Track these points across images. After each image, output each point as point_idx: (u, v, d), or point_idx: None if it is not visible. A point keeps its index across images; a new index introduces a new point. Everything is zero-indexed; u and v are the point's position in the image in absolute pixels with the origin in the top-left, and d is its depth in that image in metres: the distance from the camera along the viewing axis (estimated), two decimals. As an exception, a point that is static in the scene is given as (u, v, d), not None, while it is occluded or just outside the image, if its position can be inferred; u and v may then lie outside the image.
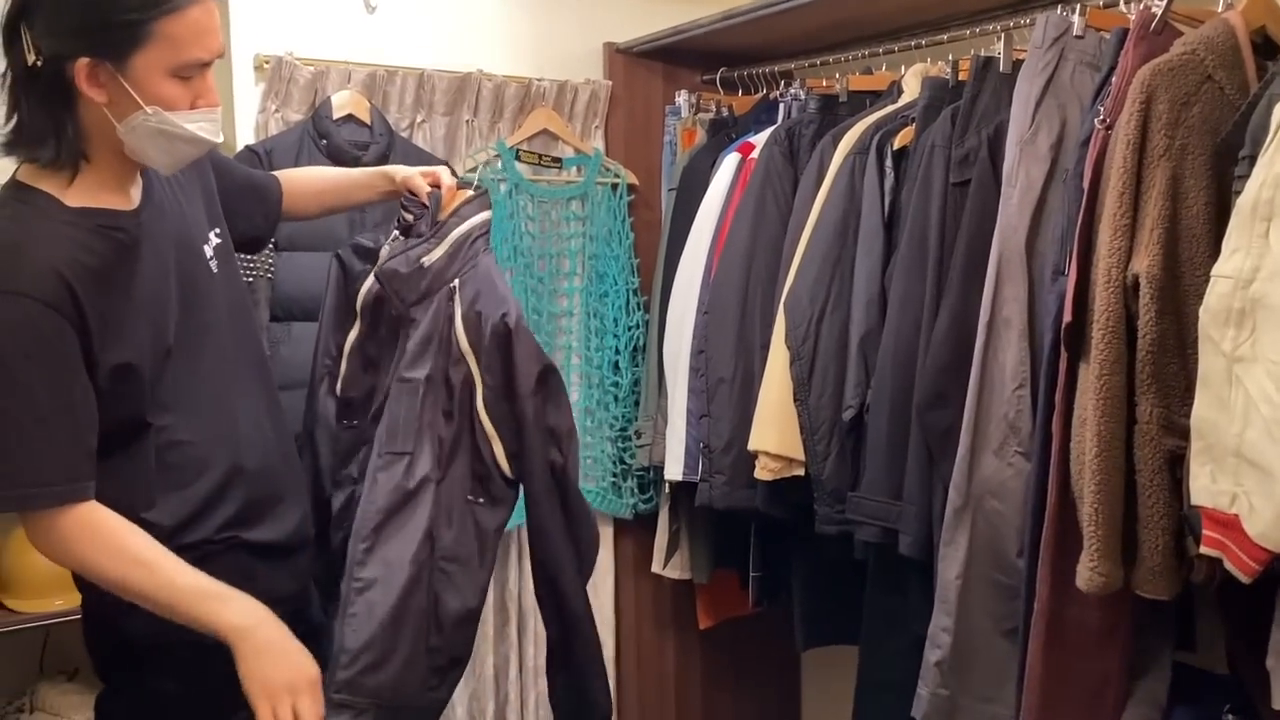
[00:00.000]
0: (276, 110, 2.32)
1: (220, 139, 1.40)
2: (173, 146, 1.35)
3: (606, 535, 2.78)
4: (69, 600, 2.67)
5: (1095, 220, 1.64)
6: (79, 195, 1.35)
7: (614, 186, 2.71)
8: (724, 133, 2.56)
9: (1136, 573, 1.56)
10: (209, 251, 1.53)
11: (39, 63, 1.28)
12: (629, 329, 2.70)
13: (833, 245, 2.05)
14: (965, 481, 1.78)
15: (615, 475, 2.69)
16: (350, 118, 2.33)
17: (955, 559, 1.78)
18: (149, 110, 1.31)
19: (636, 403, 2.68)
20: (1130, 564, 1.57)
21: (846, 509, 1.99)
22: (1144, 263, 1.54)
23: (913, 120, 2.04)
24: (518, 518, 2.55)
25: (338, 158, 2.29)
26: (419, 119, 2.47)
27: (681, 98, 2.74)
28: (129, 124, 1.32)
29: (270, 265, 2.25)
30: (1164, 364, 1.53)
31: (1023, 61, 1.92)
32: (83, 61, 1.28)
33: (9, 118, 1.33)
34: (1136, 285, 1.54)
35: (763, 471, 2.07)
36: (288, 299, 2.26)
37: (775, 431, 2.06)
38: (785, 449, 2.05)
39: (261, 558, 1.51)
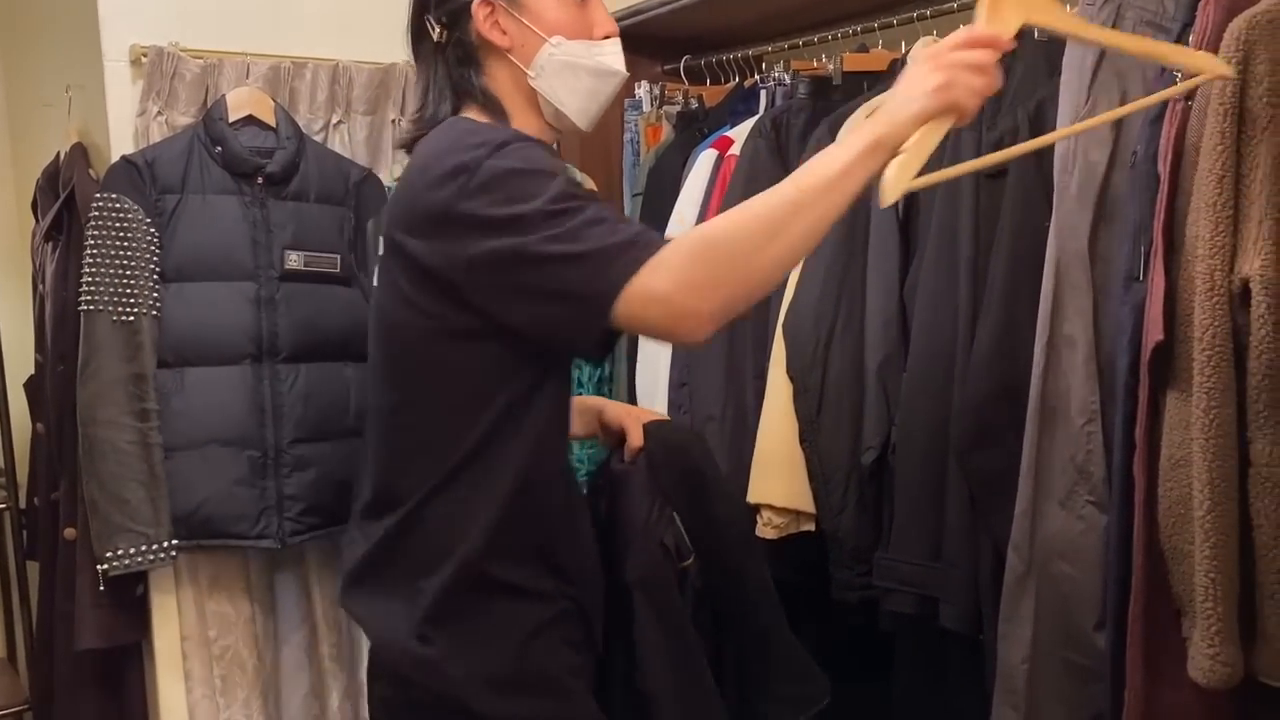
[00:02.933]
0: (159, 113, 1.93)
1: (626, 71, 1.30)
2: (580, 83, 1.27)
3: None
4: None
5: (1178, 213, 1.33)
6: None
7: (567, 194, 2.35)
8: (695, 127, 2.22)
9: (1259, 656, 1.26)
10: None
11: (444, 36, 1.27)
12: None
13: (837, 253, 1.71)
14: (1026, 541, 1.45)
15: (581, 528, 2.32)
16: (250, 119, 1.96)
17: (1019, 638, 1.44)
18: (553, 42, 1.25)
19: (603, 442, 2.32)
20: (1248, 642, 1.25)
21: (874, 573, 1.64)
22: (1255, 263, 1.24)
23: (927, 102, 1.71)
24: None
25: (235, 167, 1.91)
26: (335, 119, 2.10)
27: (641, 89, 2.40)
28: (537, 64, 1.26)
29: (155, 301, 1.85)
30: (1286, 390, 1.22)
31: (1062, 27, 1.62)
32: (477, 4, 1.25)
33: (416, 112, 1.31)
34: (1245, 292, 1.24)
35: (766, 529, 1.73)
36: (179, 341, 1.86)
37: (780, 480, 1.71)
38: (792, 500, 1.71)
39: None
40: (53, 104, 2.23)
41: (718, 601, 1.41)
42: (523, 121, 1.28)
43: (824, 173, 1.10)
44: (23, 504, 2.37)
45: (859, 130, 1.11)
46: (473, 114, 1.27)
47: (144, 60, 1.91)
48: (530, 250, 1.09)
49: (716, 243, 1.09)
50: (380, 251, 1.27)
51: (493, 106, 1.27)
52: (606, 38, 1.28)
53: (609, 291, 1.07)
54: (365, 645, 2.10)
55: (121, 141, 1.93)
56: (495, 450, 1.19)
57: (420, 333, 1.19)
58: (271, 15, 2.07)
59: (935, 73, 1.09)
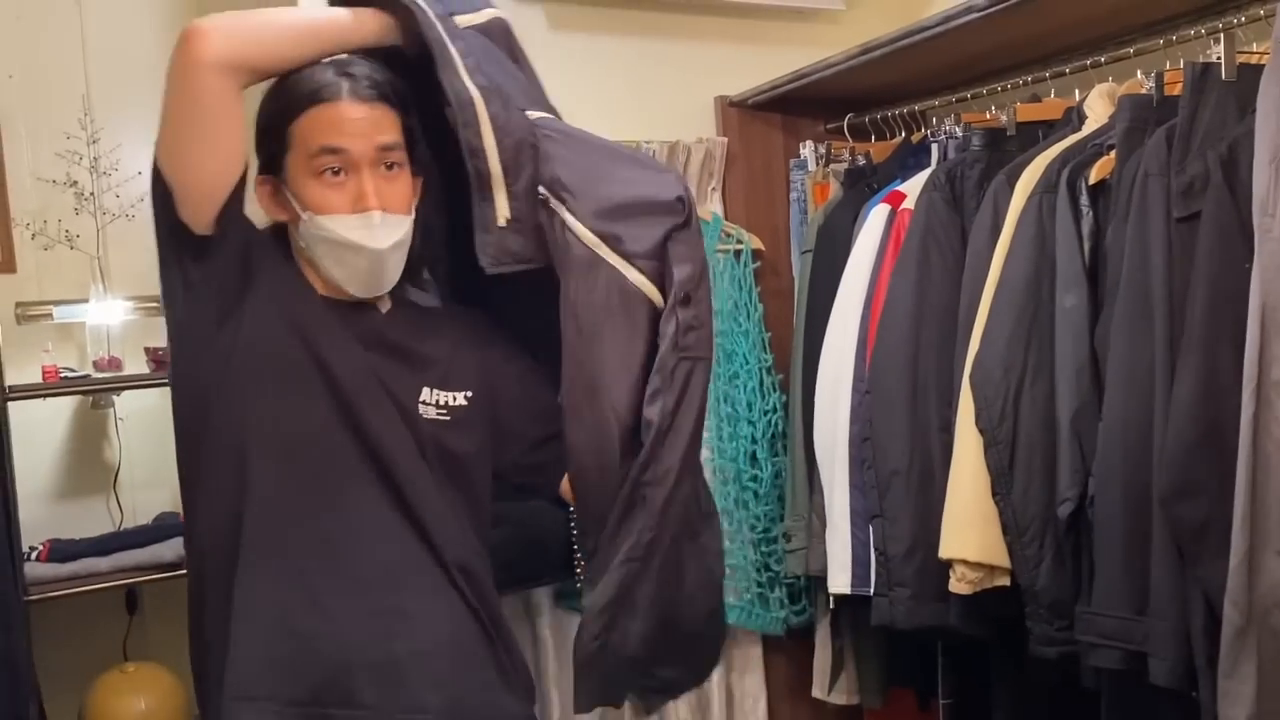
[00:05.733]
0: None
1: (384, 244, 1.29)
2: (338, 256, 1.29)
3: (754, 655, 2.42)
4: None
5: (1395, 250, 1.28)
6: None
7: (737, 254, 2.41)
8: (863, 183, 2.24)
9: None
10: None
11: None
12: (765, 414, 2.36)
13: (1024, 303, 1.70)
14: (1244, 593, 1.39)
15: (761, 585, 2.34)
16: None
17: (1242, 695, 1.39)
18: (305, 216, 1.28)
19: (780, 499, 2.34)
20: None
21: (1075, 627, 1.61)
22: None
23: (1109, 148, 1.70)
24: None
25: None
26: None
27: (807, 149, 2.44)
28: (302, 237, 1.31)
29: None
30: None
31: (1250, 66, 1.59)
32: (257, 180, 1.31)
33: None
34: None
35: (960, 584, 1.71)
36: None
37: (973, 534, 1.69)
38: (987, 555, 1.69)
39: None
40: (261, 193, 2.42)
41: None
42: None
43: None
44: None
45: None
46: None
47: (348, 149, 2.06)
48: None
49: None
50: None
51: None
52: (361, 212, 1.27)
53: None
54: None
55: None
56: None
57: None
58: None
59: None
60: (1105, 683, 1.64)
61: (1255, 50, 1.66)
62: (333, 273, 1.31)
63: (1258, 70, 1.53)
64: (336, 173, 1.27)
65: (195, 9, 2.74)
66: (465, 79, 1.29)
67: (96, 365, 2.45)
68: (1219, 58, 1.60)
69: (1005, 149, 1.94)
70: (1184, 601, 1.50)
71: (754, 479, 2.34)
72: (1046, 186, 1.73)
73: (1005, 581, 1.70)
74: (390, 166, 1.30)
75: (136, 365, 2.56)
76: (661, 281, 1.34)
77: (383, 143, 1.29)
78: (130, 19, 2.69)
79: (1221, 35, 1.61)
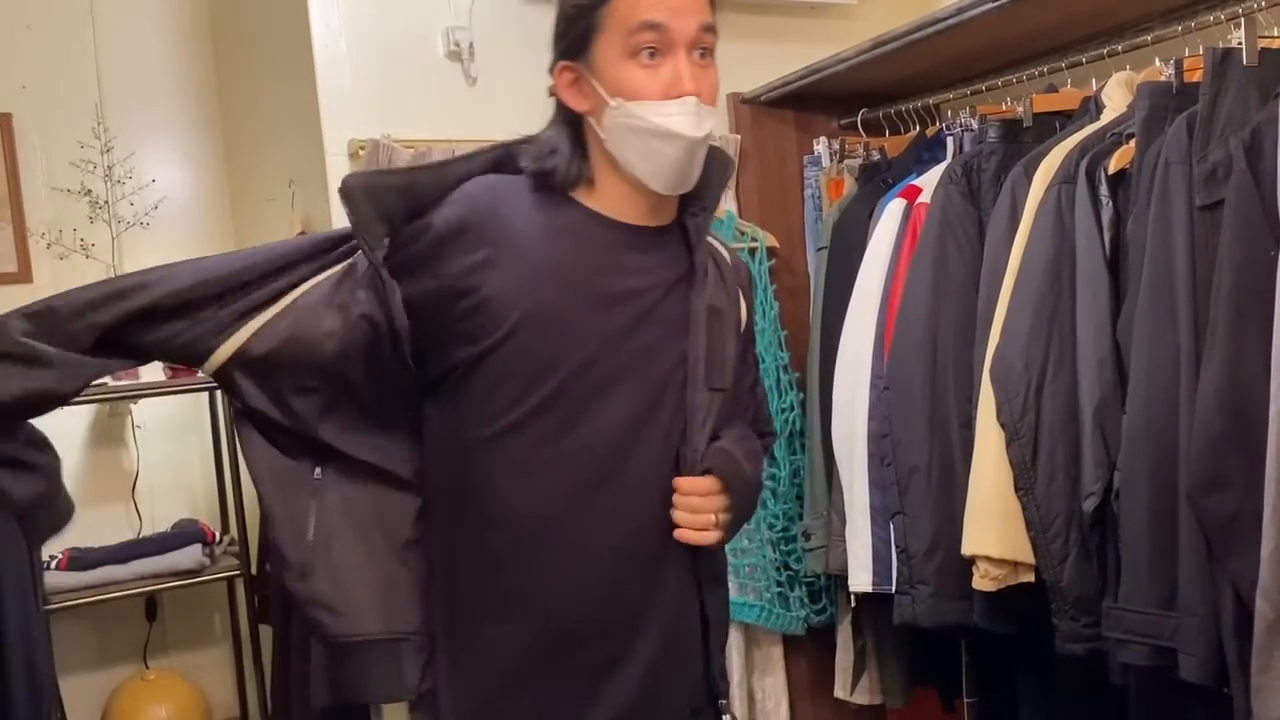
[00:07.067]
0: (374, 199, 2.07)
1: (700, 133, 1.21)
2: (647, 147, 1.21)
3: (775, 655, 2.40)
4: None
5: None
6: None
7: (751, 251, 2.40)
8: (878, 178, 2.22)
9: None
10: None
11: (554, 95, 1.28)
12: (782, 412, 2.35)
13: (1044, 296, 1.68)
14: (1276, 587, 1.37)
15: (781, 584, 2.32)
16: (456, 200, 2.07)
17: (1277, 691, 1.36)
18: (613, 103, 1.21)
19: (799, 498, 2.32)
20: None
21: (1102, 623, 1.58)
22: None
23: (1129, 137, 1.68)
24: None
25: (445, 246, 2.02)
26: (531, 194, 2.21)
27: (820, 145, 2.43)
28: (605, 128, 1.23)
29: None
30: None
31: (1272, 50, 1.57)
32: (558, 68, 1.25)
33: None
34: None
35: (983, 580, 1.69)
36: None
37: (995, 530, 1.67)
38: (1010, 551, 1.66)
39: None
40: (274, 198, 2.42)
41: None
42: (608, 184, 1.26)
43: None
44: (254, 570, 2.53)
45: None
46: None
47: (361, 153, 2.06)
48: None
49: None
50: None
51: (573, 167, 1.26)
52: (676, 97, 1.20)
53: None
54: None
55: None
56: None
57: None
58: (471, 104, 2.21)
59: None
60: (1134, 680, 1.62)
61: (1277, 35, 1.63)
62: (637, 167, 1.23)
63: (1280, 54, 1.51)
64: (653, 55, 1.20)
65: (208, 17, 2.75)
66: None
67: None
68: (1239, 43, 1.57)
69: (1022, 140, 1.92)
70: (1213, 596, 1.47)
71: (772, 477, 2.32)
72: (1065, 177, 1.71)
73: (1029, 578, 1.68)
74: (704, 54, 1.23)
75: (153, 373, 2.56)
76: None
77: (704, 23, 1.22)
78: (142, 27, 2.69)
79: (1242, 20, 1.58)
